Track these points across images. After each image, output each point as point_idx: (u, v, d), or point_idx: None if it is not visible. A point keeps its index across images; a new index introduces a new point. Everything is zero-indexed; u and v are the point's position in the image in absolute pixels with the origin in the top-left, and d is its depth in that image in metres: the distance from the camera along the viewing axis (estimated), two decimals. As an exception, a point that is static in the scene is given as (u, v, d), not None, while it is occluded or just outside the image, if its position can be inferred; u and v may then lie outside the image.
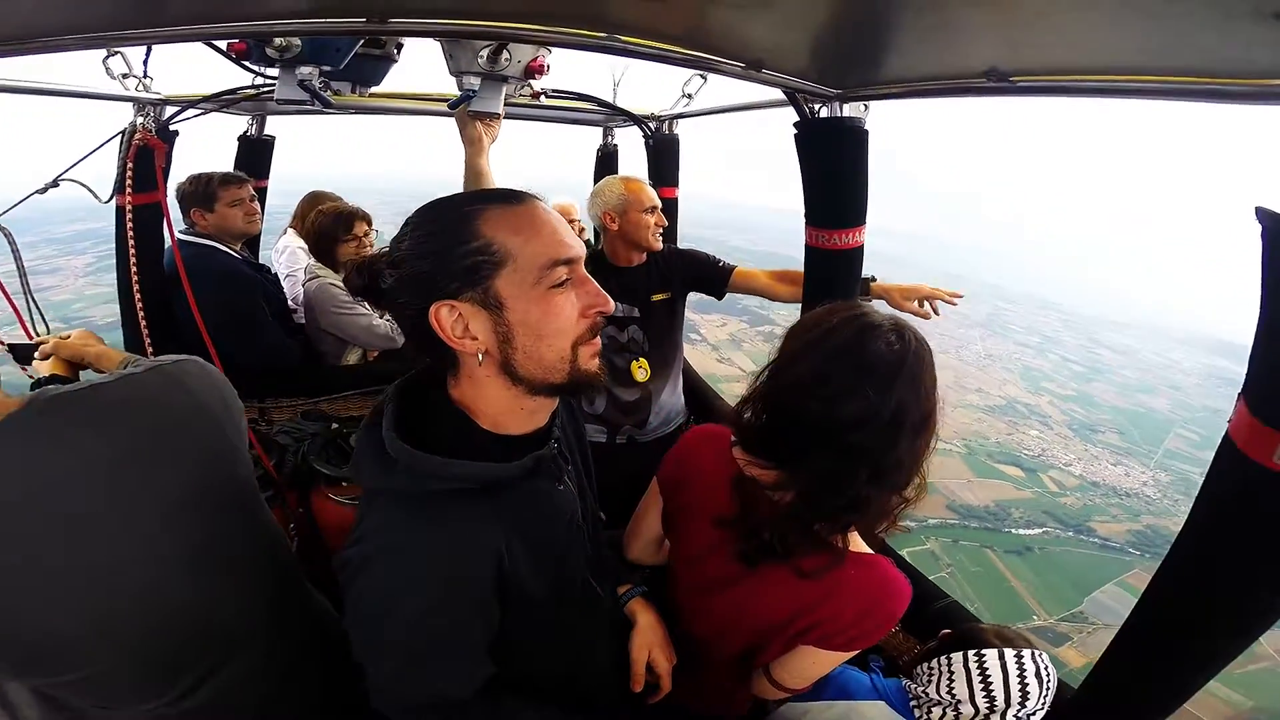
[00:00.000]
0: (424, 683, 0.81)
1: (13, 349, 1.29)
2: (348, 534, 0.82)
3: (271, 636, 0.98)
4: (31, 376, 1.24)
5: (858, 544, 1.00)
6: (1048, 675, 1.06)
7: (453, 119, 1.62)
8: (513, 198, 0.81)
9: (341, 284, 2.57)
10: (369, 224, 2.77)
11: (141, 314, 2.02)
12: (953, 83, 1.31)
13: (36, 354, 1.24)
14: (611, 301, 0.84)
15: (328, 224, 2.69)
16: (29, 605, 0.72)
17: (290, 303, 2.88)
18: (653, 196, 2.20)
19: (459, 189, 1.53)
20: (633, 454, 2.31)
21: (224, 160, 2.99)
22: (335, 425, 2.21)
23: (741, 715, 1.25)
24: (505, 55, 1.37)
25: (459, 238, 0.77)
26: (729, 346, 45.52)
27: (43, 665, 0.76)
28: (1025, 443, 35.35)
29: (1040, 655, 1.07)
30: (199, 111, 2.14)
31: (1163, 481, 33.15)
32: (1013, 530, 25.97)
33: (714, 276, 2.32)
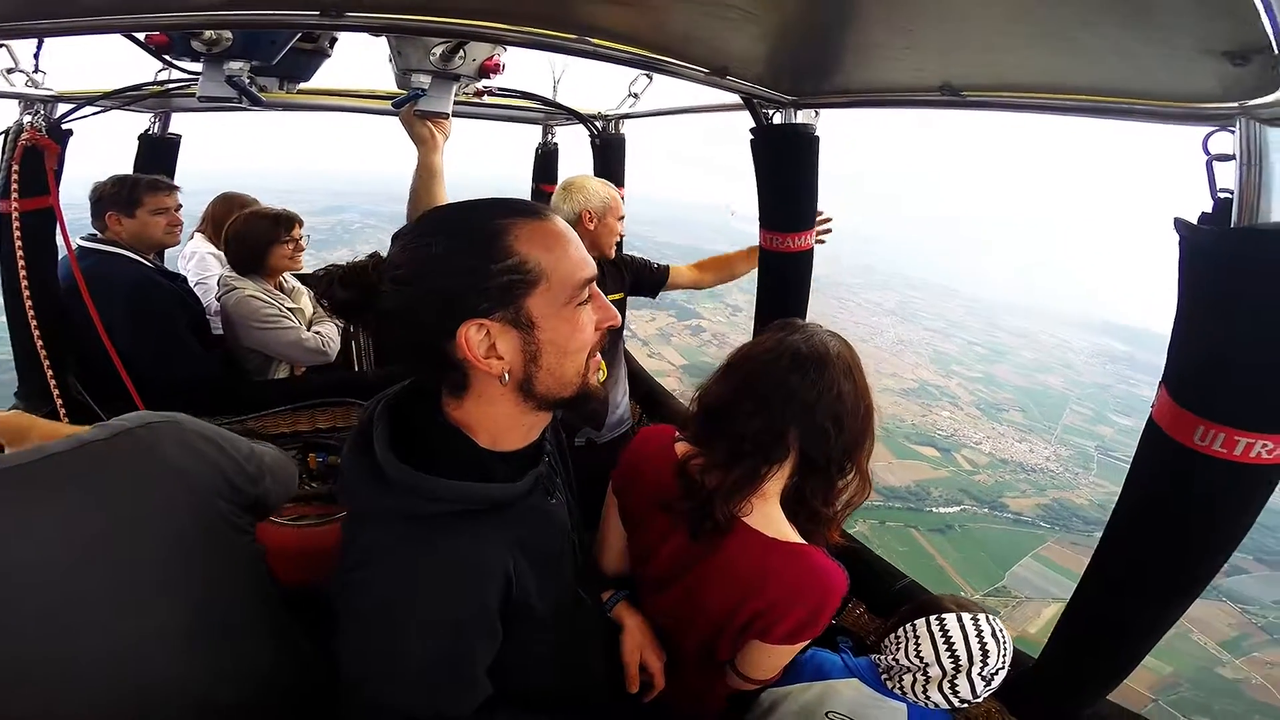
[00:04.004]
0: (424, 705, 0.78)
1: None
2: (339, 557, 0.79)
3: (275, 698, 0.92)
4: None
5: (788, 534, 1.03)
6: (1003, 636, 1.14)
7: (386, 116, 1.52)
8: (535, 211, 0.78)
9: (262, 295, 2.41)
10: (300, 225, 2.57)
11: (36, 331, 1.80)
12: (907, 94, 1.36)
13: None
14: (619, 315, 0.84)
15: (263, 227, 2.44)
16: (19, 698, 0.67)
17: (206, 312, 2.64)
18: (622, 205, 2.24)
19: (390, 185, 1.45)
20: (592, 455, 2.30)
21: (121, 161, 2.70)
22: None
23: (720, 711, 1.26)
24: (461, 54, 1.30)
25: (493, 255, 0.73)
26: (658, 341, 46.03)
27: None
28: (939, 423, 37.52)
29: (994, 618, 1.16)
30: (96, 109, 1.91)
31: (1063, 456, 35.81)
32: (933, 509, 27.55)
33: (654, 279, 2.52)
